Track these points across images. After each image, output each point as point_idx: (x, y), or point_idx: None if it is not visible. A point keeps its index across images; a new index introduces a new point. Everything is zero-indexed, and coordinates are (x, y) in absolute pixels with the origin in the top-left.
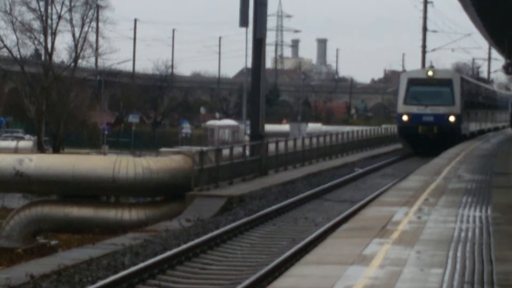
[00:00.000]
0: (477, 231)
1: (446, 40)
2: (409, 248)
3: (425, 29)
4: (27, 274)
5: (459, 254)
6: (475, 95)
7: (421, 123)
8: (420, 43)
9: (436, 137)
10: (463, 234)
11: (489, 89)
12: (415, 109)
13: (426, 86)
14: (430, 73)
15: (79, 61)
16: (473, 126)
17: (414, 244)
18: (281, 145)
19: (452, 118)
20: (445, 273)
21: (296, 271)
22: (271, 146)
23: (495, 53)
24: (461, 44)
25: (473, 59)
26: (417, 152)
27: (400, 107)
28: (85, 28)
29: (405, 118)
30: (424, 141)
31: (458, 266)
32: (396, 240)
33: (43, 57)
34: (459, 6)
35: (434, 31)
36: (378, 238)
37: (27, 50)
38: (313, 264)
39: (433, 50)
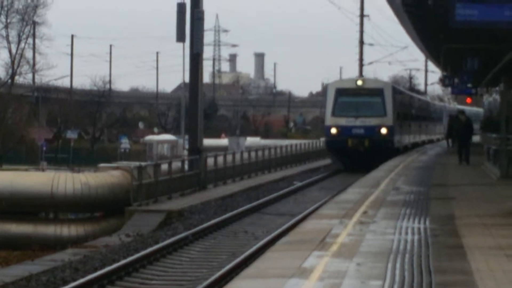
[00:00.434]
0: (415, 242)
1: (383, 53)
2: (349, 260)
3: (361, 42)
4: None
5: (398, 265)
6: (409, 106)
7: (351, 136)
8: (357, 56)
9: (367, 151)
10: (402, 246)
11: (423, 100)
12: (344, 121)
13: (355, 97)
14: (359, 82)
15: (16, 77)
16: (407, 139)
17: (353, 257)
18: (220, 159)
19: (384, 130)
20: (384, 285)
21: (236, 285)
22: (210, 161)
23: (431, 66)
24: (398, 57)
25: (410, 71)
26: (347, 168)
27: (328, 119)
28: (22, 45)
29: (333, 131)
30: (355, 155)
31: (397, 278)
32: (335, 252)
33: None
34: (395, 19)
35: (370, 45)
36: (317, 251)
37: None
38: (253, 278)
39: (370, 63)
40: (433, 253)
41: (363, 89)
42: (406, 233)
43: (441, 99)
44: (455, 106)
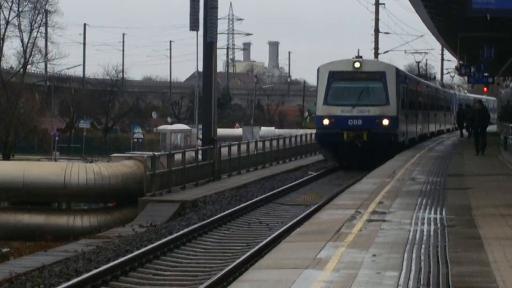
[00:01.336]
0: (432, 233)
1: (399, 42)
2: (364, 251)
3: (377, 30)
4: None
5: (414, 256)
6: (415, 92)
7: (346, 129)
8: (372, 45)
9: (366, 146)
10: (418, 236)
11: (432, 86)
12: (338, 111)
13: (352, 82)
14: (357, 64)
15: (28, 66)
16: (413, 131)
17: (369, 247)
18: (234, 149)
19: (386, 122)
20: (401, 275)
21: (250, 276)
22: (224, 150)
23: (448, 55)
24: (414, 46)
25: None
26: (342, 166)
27: (320, 108)
28: (34, 34)
29: (326, 122)
30: (351, 151)
31: (413, 268)
32: (351, 243)
33: None
34: (411, 8)
35: (386, 33)
36: (332, 241)
37: None
38: (268, 269)
39: (386, 52)
40: (450, 243)
41: (362, 73)
42: (423, 224)
43: (451, 86)
44: (466, 94)
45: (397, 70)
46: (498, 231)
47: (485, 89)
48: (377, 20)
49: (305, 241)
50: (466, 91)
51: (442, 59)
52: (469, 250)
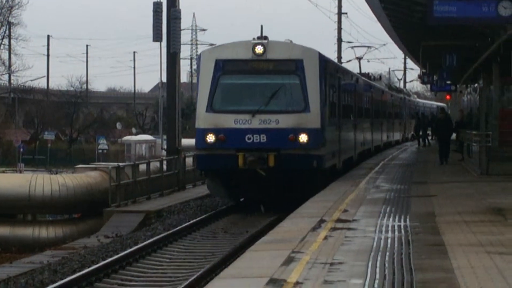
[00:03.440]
0: (396, 240)
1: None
2: (329, 258)
3: (340, 40)
4: None
5: (378, 264)
6: (352, 94)
7: (243, 149)
8: (335, 54)
9: (274, 175)
10: (382, 244)
11: (375, 87)
12: (230, 121)
13: (252, 76)
14: (259, 49)
15: None
16: (350, 148)
17: (334, 255)
18: None
19: (304, 137)
20: (365, 283)
21: (215, 285)
22: (189, 160)
23: (411, 63)
24: (376, 55)
25: (389, 69)
26: (238, 205)
27: (202, 117)
28: None
29: (211, 138)
30: (251, 184)
31: (378, 276)
32: (315, 251)
33: None
34: (373, 17)
35: (349, 42)
36: (297, 250)
37: None
38: (232, 278)
39: (349, 61)
40: (414, 250)
41: (267, 62)
42: (387, 231)
43: (399, 89)
44: (416, 99)
45: (323, 58)
46: (462, 238)
47: (448, 97)
48: (339, 30)
49: (270, 249)
50: (415, 96)
51: (405, 68)
52: (433, 257)
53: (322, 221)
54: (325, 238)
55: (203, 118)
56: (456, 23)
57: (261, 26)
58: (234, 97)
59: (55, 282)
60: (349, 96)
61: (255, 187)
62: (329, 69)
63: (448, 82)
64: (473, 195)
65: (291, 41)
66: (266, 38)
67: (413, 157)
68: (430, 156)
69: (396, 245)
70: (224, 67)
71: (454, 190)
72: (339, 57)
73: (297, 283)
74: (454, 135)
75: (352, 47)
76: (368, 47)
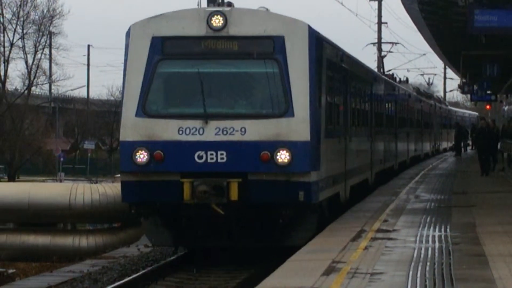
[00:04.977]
0: (436, 250)
1: (402, 60)
2: (370, 269)
3: (380, 49)
4: None
5: (419, 274)
6: (368, 94)
7: (190, 173)
8: (375, 64)
9: (237, 213)
10: (423, 254)
11: (400, 89)
12: (172, 131)
13: (206, 62)
14: (217, 20)
15: (33, 88)
16: (359, 170)
17: (374, 265)
18: None
19: (284, 156)
20: None
21: None
22: None
23: (451, 73)
24: (417, 64)
25: (429, 78)
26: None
27: (129, 124)
28: (38, 55)
29: (142, 157)
30: (203, 226)
31: (418, 286)
32: (356, 261)
33: None
34: (413, 26)
35: (389, 52)
36: (338, 259)
37: None
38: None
39: (389, 71)
40: (455, 261)
41: (230, 40)
42: (427, 241)
43: (429, 95)
44: (448, 107)
45: (316, 36)
46: (503, 248)
47: (488, 107)
48: (379, 39)
49: (310, 260)
50: (446, 103)
51: (445, 77)
52: (474, 268)
53: (362, 231)
54: (366, 248)
55: (131, 126)
56: (497, 33)
57: None
58: (179, 93)
59: None
60: (363, 97)
61: (210, 232)
62: (328, 54)
63: (489, 92)
64: None
65: (267, 10)
66: (230, 3)
67: (452, 167)
68: (470, 166)
69: (436, 255)
70: (165, 49)
71: (495, 200)
72: (379, 66)
73: None
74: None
75: (373, 44)
76: (393, 43)
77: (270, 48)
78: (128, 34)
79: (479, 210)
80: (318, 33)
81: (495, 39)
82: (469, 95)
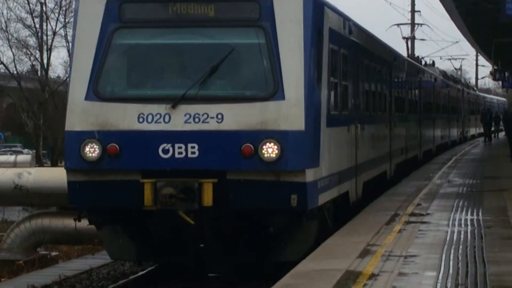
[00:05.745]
0: (469, 234)
1: (435, 48)
2: (404, 251)
3: (413, 37)
4: (28, 285)
5: (452, 257)
6: (386, 75)
7: (152, 172)
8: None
9: (211, 223)
10: (455, 237)
11: (426, 72)
12: (130, 118)
13: (174, 32)
14: None
15: None
16: (375, 163)
17: (408, 248)
18: None
19: (272, 149)
20: (439, 275)
21: (293, 276)
22: None
23: (482, 60)
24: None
25: (461, 65)
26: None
27: (77, 110)
28: None
29: (92, 151)
30: (170, 238)
31: (451, 268)
32: (390, 244)
33: (39, 73)
34: (446, 15)
35: (422, 39)
36: (372, 242)
37: (24, 66)
38: (310, 270)
39: (422, 57)
40: (487, 244)
41: (204, 3)
42: (460, 225)
43: (457, 80)
44: (477, 93)
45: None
46: None
47: None
48: (412, 25)
49: (346, 243)
50: (475, 89)
51: (477, 65)
52: (505, 250)
53: (396, 215)
54: (399, 231)
55: (79, 112)
56: None
57: None
58: (140, 71)
59: (136, 273)
60: (380, 78)
61: (178, 246)
62: (333, 23)
63: None
64: None
65: None
66: None
67: (483, 153)
68: (501, 151)
69: (469, 239)
70: (123, 14)
71: None
72: (412, 54)
73: (372, 275)
74: None
75: (397, 25)
76: (419, 24)
77: (256, 13)
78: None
79: (510, 194)
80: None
81: None
82: (500, 82)
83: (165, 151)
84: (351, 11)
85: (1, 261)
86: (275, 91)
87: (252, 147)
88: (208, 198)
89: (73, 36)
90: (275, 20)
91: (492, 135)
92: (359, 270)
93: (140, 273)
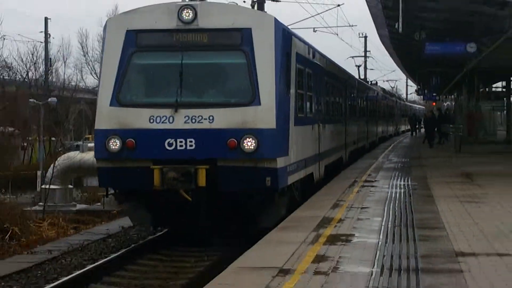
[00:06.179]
0: (402, 193)
1: (379, 74)
2: (360, 205)
3: (365, 68)
4: (119, 226)
5: (391, 208)
6: (343, 89)
7: (160, 161)
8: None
9: (205, 199)
10: (393, 196)
11: (371, 88)
12: (143, 120)
13: (177, 54)
14: (187, 14)
15: None
16: (334, 151)
17: (363, 203)
18: None
19: (251, 143)
20: (383, 220)
21: (293, 218)
22: None
23: (410, 82)
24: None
25: (396, 86)
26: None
27: (104, 113)
28: None
29: (115, 145)
30: (174, 211)
31: (391, 216)
32: (351, 200)
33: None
34: (387, 53)
35: (371, 69)
36: (340, 199)
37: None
38: (300, 217)
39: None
40: (413, 200)
41: (199, 32)
42: (396, 188)
43: (392, 94)
44: (405, 102)
45: (283, 29)
46: (444, 192)
47: (434, 103)
48: (365, 61)
49: (323, 200)
50: (404, 100)
51: (407, 85)
52: (425, 204)
53: (355, 181)
54: (357, 191)
55: (105, 114)
56: (440, 57)
57: None
58: (151, 84)
59: (155, 234)
60: (337, 91)
61: (180, 216)
62: (299, 48)
63: (434, 94)
64: (450, 165)
65: (236, 4)
66: None
67: (411, 142)
68: (421, 141)
69: (402, 197)
70: (138, 41)
71: (438, 162)
72: (365, 79)
73: (340, 219)
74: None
75: (352, 57)
76: (368, 57)
77: (238, 39)
78: (105, 28)
79: (428, 168)
80: (286, 26)
81: (439, 60)
82: (422, 96)
83: (170, 145)
84: (322, 46)
85: (103, 211)
86: (253, 99)
87: (235, 141)
88: (202, 180)
89: (101, 57)
90: (253, 45)
91: (416, 131)
92: (332, 216)
93: (150, 238)
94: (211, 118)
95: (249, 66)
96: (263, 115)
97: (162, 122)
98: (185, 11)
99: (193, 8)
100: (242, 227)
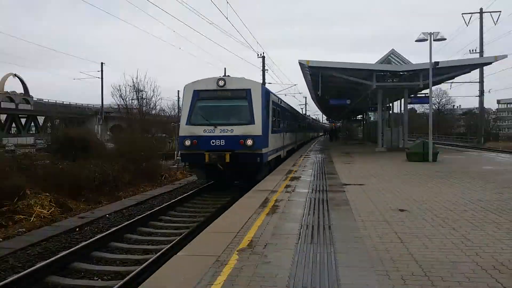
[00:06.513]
0: (318, 163)
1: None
2: (304, 164)
3: (306, 108)
4: (194, 178)
5: (316, 166)
6: (286, 114)
7: (209, 150)
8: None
9: (230, 167)
10: (317, 161)
11: (299, 113)
12: (201, 131)
13: (216, 100)
14: (221, 82)
15: None
16: (287, 146)
17: (305, 164)
18: None
19: (250, 142)
20: (313, 170)
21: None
22: None
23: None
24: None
25: (317, 116)
26: (219, 184)
27: (183, 128)
28: None
29: (187, 143)
30: (215, 172)
31: (316, 169)
32: (299, 162)
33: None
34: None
35: (308, 110)
36: (294, 163)
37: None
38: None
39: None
40: (325, 165)
41: (226, 91)
42: (317, 157)
43: (310, 117)
44: (319, 122)
45: (264, 89)
46: (338, 160)
47: (334, 124)
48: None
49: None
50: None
51: (322, 116)
52: (330, 166)
53: (301, 155)
54: (302, 159)
55: (184, 129)
56: (338, 105)
57: (224, 69)
58: (204, 114)
59: (202, 185)
60: (284, 115)
61: (218, 175)
62: (273, 99)
63: (334, 120)
64: (339, 148)
65: (243, 78)
66: (229, 75)
67: (325, 141)
68: (328, 141)
69: (320, 161)
70: (199, 95)
71: (334, 148)
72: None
73: (296, 171)
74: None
75: (300, 104)
76: (306, 104)
77: (244, 94)
78: (184, 89)
79: (331, 150)
80: (266, 87)
81: (335, 107)
82: (329, 120)
83: (213, 143)
84: (286, 98)
85: (191, 170)
86: (251, 121)
87: (243, 141)
88: (227, 159)
89: (182, 103)
90: (251, 97)
91: (334, 137)
92: (292, 169)
93: (200, 187)
94: (232, 130)
95: (249, 107)
96: (256, 128)
97: (209, 132)
98: (220, 81)
99: (224, 80)
100: (247, 180)
